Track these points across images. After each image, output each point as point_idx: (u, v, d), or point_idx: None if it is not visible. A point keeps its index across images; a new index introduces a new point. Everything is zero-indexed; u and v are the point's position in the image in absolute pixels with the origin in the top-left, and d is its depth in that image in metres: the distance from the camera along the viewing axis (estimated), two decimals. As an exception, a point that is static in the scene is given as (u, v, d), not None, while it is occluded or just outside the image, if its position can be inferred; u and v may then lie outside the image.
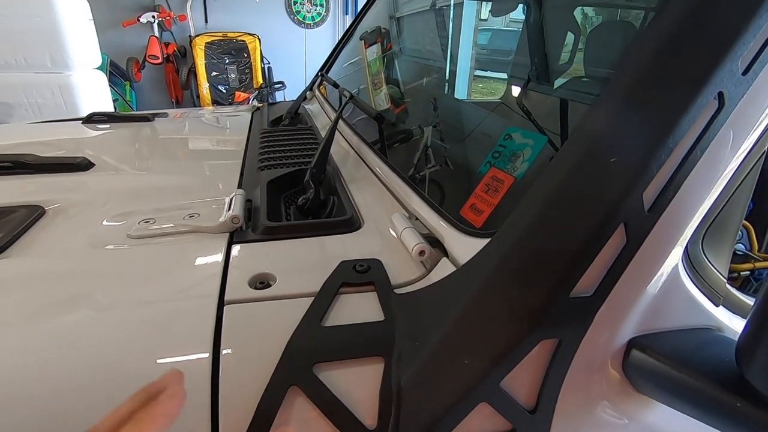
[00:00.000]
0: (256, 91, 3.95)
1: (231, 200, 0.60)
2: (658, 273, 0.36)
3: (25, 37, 2.43)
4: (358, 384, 0.37)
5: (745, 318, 0.43)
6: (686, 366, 0.36)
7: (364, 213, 0.60)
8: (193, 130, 1.11)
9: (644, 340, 0.38)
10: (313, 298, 0.43)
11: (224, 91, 4.01)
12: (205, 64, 3.92)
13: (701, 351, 0.38)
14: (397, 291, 0.44)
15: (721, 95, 0.32)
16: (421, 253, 0.45)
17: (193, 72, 3.92)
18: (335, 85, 1.34)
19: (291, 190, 0.73)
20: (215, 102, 3.94)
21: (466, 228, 0.44)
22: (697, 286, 0.39)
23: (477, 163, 0.55)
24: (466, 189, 0.50)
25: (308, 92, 1.52)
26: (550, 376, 0.36)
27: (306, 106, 1.39)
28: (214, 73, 3.97)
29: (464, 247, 0.42)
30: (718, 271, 0.40)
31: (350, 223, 0.57)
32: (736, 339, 0.38)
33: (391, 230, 0.55)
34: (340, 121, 1.03)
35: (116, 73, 3.71)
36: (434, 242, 0.48)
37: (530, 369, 0.36)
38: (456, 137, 0.72)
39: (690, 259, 0.38)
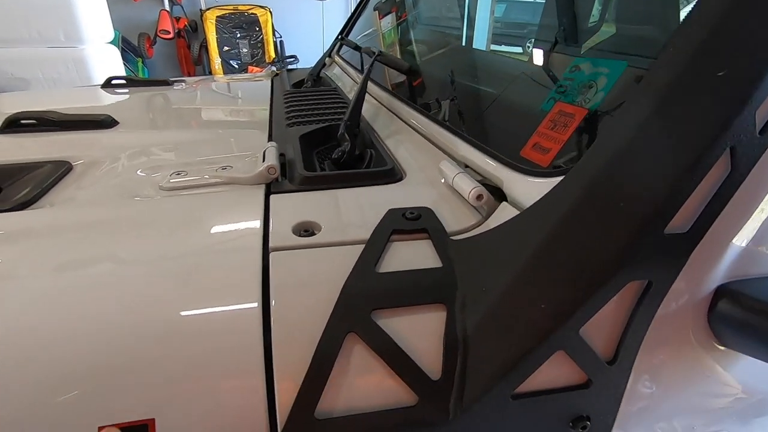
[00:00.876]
0: (269, 66, 3.88)
1: (264, 152, 0.57)
2: (759, 208, 0.32)
3: (37, 10, 2.40)
4: (419, 332, 0.35)
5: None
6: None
7: (403, 164, 0.57)
8: (215, 93, 1.08)
9: (734, 287, 0.35)
10: (361, 245, 0.40)
11: (236, 66, 3.95)
12: (217, 38, 3.85)
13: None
14: (453, 238, 0.41)
15: None
16: (479, 197, 0.42)
17: (204, 47, 3.87)
18: (357, 48, 1.29)
19: (323, 145, 0.70)
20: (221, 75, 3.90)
21: (530, 169, 0.40)
22: (796, 227, 0.35)
23: (524, 104, 0.50)
24: (521, 130, 0.46)
25: (327, 58, 1.47)
26: (634, 323, 0.33)
27: (326, 72, 1.34)
28: (226, 48, 3.90)
29: (530, 189, 0.39)
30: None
31: (392, 174, 0.53)
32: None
33: (438, 179, 0.51)
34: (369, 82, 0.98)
35: (128, 50, 3.67)
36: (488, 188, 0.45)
37: (612, 315, 0.33)
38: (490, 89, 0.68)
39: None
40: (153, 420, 0.31)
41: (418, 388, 0.33)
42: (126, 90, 1.07)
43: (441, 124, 0.56)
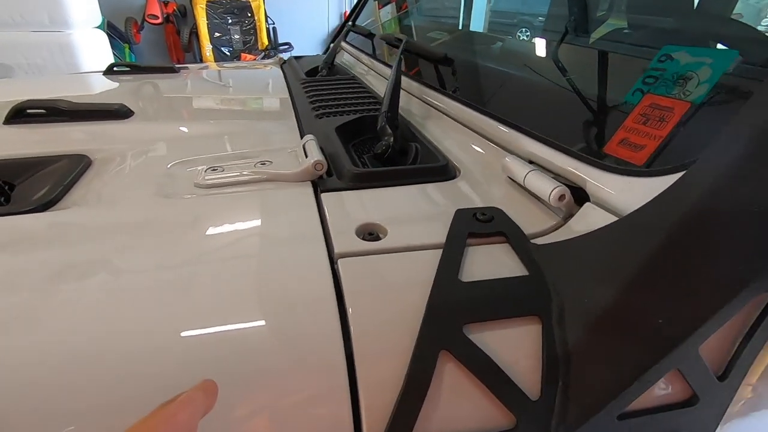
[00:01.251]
0: (262, 53, 3.78)
1: (304, 146, 0.53)
2: None
3: (20, -8, 2.27)
4: (513, 347, 0.32)
5: None
6: None
7: (454, 159, 0.53)
8: (226, 81, 1.02)
9: None
10: (434, 250, 0.37)
11: (228, 53, 3.83)
12: (207, 24, 3.72)
13: None
14: (533, 242, 0.38)
15: None
16: (561, 197, 0.39)
17: (194, 33, 3.74)
18: (369, 36, 1.24)
19: (357, 138, 0.65)
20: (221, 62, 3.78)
21: (619, 168, 0.37)
22: None
23: (600, 96, 0.47)
24: (600, 124, 0.43)
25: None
26: (754, 337, 0.30)
27: (337, 60, 1.29)
28: (217, 34, 3.78)
29: (624, 190, 0.35)
30: None
31: (446, 171, 0.50)
32: None
33: (499, 175, 0.48)
34: (387, 70, 0.94)
35: (114, 35, 3.53)
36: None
37: (731, 329, 0.30)
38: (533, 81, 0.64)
39: None
40: (228, 448, 0.28)
41: (517, 409, 0.30)
42: (130, 77, 1.01)
43: (497, 118, 0.52)
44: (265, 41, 3.84)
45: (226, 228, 0.40)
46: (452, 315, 0.31)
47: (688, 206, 0.29)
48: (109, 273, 0.34)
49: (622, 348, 0.30)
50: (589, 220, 0.37)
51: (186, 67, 1.16)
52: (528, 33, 0.73)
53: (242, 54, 3.75)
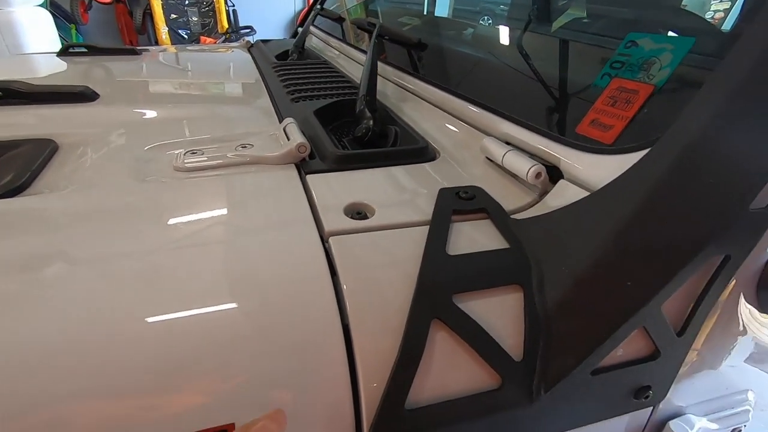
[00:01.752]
0: (223, 37, 3.64)
1: (285, 129, 0.53)
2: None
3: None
4: (498, 314, 0.34)
5: None
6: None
7: (432, 142, 0.55)
8: (194, 64, 0.98)
9: (785, 257, 0.37)
10: (421, 227, 0.38)
11: (186, 36, 3.66)
12: (162, 5, 3.54)
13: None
14: (513, 217, 0.40)
15: None
16: (538, 175, 0.41)
17: (148, 14, 3.54)
18: (339, 20, 1.23)
19: (335, 121, 0.66)
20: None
21: (590, 146, 0.39)
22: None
23: (570, 79, 0.50)
24: (570, 106, 0.46)
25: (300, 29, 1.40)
26: (708, 295, 0.34)
27: (306, 44, 1.27)
28: (173, 16, 3.60)
29: (595, 167, 0.38)
30: None
31: (426, 152, 0.52)
32: None
33: (477, 156, 0.50)
34: (358, 54, 0.94)
35: (59, 15, 3.28)
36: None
37: (688, 289, 0.34)
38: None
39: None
40: (233, 424, 0.29)
41: (502, 370, 0.33)
42: (87, 59, 0.95)
43: (477, 102, 0.54)
44: (225, 24, 3.70)
45: (215, 211, 0.40)
46: (442, 286, 0.33)
47: (652, 180, 0.32)
48: (97, 257, 0.33)
49: (595, 310, 0.33)
50: (564, 195, 0.40)
51: (147, 49, 1.11)
52: (492, 20, 0.75)
53: (201, 37, 3.60)
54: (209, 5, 3.66)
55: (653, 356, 0.36)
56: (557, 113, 0.47)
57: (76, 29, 3.41)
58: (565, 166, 0.41)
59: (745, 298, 0.38)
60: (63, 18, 3.31)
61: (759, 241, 0.33)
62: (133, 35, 3.68)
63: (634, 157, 0.35)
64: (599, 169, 0.38)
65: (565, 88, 0.48)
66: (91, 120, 0.59)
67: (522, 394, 0.33)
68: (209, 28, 3.71)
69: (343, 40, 1.11)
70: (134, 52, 0.99)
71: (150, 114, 0.63)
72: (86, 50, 0.96)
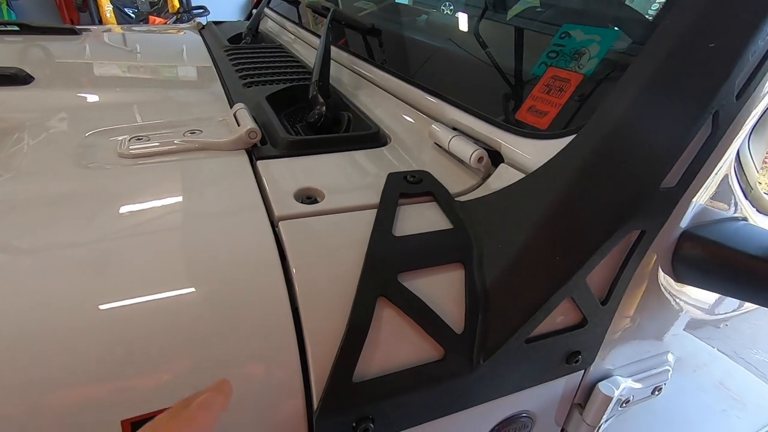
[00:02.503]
0: (174, 17, 3.46)
1: (235, 115, 0.52)
2: (723, 164, 0.38)
3: None
4: (441, 290, 0.36)
5: (760, 211, 0.47)
6: (733, 250, 0.39)
7: (384, 127, 0.56)
8: (139, 45, 0.94)
9: (695, 231, 0.41)
10: (369, 210, 0.40)
11: (133, 15, 3.47)
12: (106, -20, 3.32)
13: (742, 237, 0.41)
14: (457, 200, 0.42)
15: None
16: (480, 159, 0.43)
17: (90, -10, 3.31)
18: (294, 3, 1.21)
19: (289, 107, 0.66)
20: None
21: (528, 132, 0.42)
22: (738, 179, 0.42)
23: (512, 68, 0.52)
24: (511, 93, 0.48)
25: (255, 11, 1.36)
26: (627, 267, 0.38)
27: (261, 27, 1.24)
28: (119, -7, 3.39)
29: (531, 151, 0.41)
30: (755, 164, 0.43)
31: (377, 138, 0.53)
32: (762, 227, 0.42)
33: (426, 141, 0.52)
34: (314, 38, 0.93)
35: (-13, -13, 3.01)
36: (481, 151, 0.46)
37: (609, 262, 0.37)
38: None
39: (738, 150, 0.40)
40: (183, 405, 0.29)
41: (445, 342, 0.35)
42: (20, 38, 0.89)
43: (424, 88, 0.55)
44: (176, 3, 3.52)
45: (163, 198, 0.39)
46: (387, 265, 0.35)
47: (576, 164, 0.35)
48: (38, 247, 0.32)
49: (527, 283, 0.35)
50: (503, 178, 0.42)
51: (88, 29, 1.05)
52: (446, 7, 0.76)
53: (150, 17, 3.41)
54: (158, -17, 3.47)
55: (581, 324, 0.40)
56: (500, 100, 0.49)
57: (7, 5, 3.14)
58: (505, 151, 0.44)
59: (662, 269, 0.42)
60: (-8, -8, 3.04)
61: (670, 216, 0.36)
62: (73, 13, 3.44)
63: (563, 142, 0.38)
64: (535, 153, 0.41)
65: (508, 76, 0.50)
66: (25, 104, 0.56)
67: (463, 363, 0.35)
68: (159, 7, 3.53)
69: (299, 23, 1.09)
70: (73, 32, 0.93)
71: (92, 98, 0.60)
72: (18, 29, 0.89)
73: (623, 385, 0.47)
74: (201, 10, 3.64)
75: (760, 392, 0.92)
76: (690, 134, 0.33)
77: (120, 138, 0.48)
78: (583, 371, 0.45)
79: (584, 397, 0.48)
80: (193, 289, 0.31)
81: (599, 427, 0.48)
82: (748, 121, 0.37)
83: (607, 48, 0.40)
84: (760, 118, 0.39)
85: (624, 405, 0.50)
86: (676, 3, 0.35)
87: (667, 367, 0.52)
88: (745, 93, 0.34)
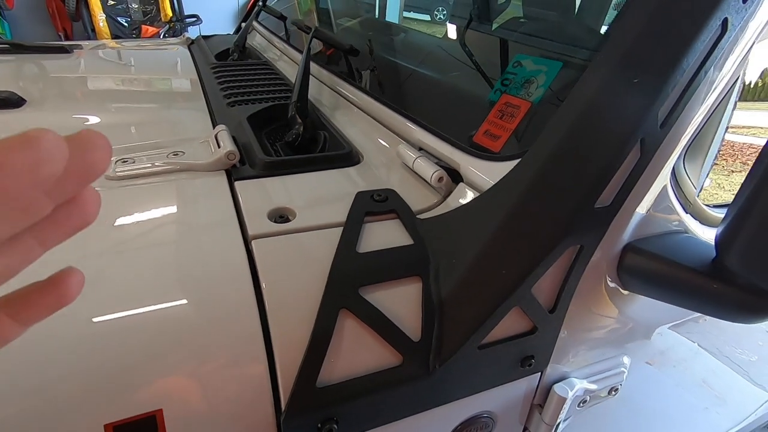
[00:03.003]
0: (166, 25, 3.49)
1: (216, 136, 0.56)
2: (656, 183, 0.42)
3: None
4: (400, 302, 0.39)
5: (703, 223, 0.51)
6: (672, 261, 0.42)
7: (358, 146, 0.60)
8: (129, 64, 0.97)
9: (637, 245, 0.45)
10: (336, 228, 0.43)
11: (126, 24, 3.48)
12: (99, -10, 3.34)
13: (680, 249, 0.45)
14: (418, 217, 0.46)
15: (725, 21, 0.36)
16: (440, 179, 0.47)
17: (83, 0, 3.33)
18: (282, 18, 1.24)
19: (269, 126, 0.69)
20: (116, 37, 3.42)
21: (483, 154, 0.46)
22: (676, 195, 0.46)
23: (474, 93, 0.56)
24: (472, 117, 0.52)
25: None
26: (570, 278, 0.41)
27: (248, 42, 1.27)
28: (111, 2, 3.41)
29: (485, 172, 0.45)
30: (691, 181, 0.47)
31: (350, 157, 0.56)
32: (703, 239, 0.46)
33: (396, 160, 0.55)
34: (299, 55, 0.97)
35: (-20, -2, 3.03)
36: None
37: (553, 274, 0.41)
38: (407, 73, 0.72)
39: (674, 170, 0.44)
40: (161, 410, 0.32)
41: (403, 350, 0.38)
42: (12, 57, 0.92)
43: (394, 108, 0.59)
44: (169, 12, 3.55)
45: (144, 217, 0.43)
46: (350, 279, 0.38)
47: (521, 184, 0.39)
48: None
49: (478, 294, 0.39)
50: (461, 197, 0.46)
51: (79, 46, 1.08)
52: (422, 32, 0.80)
53: (143, 26, 3.43)
54: (150, -8, 3.49)
55: (532, 331, 0.43)
56: (461, 123, 0.53)
57: (1, 15, 3.16)
58: (463, 171, 0.47)
59: (609, 279, 0.46)
60: (-16, 2, 3.06)
61: (606, 232, 0.40)
62: (66, 22, 3.45)
63: (512, 164, 0.41)
64: (489, 174, 0.44)
65: (468, 100, 0.54)
66: (18, 127, 0.59)
67: (420, 368, 0.39)
68: (151, 16, 3.55)
69: (286, 40, 1.13)
70: (65, 50, 0.96)
71: (80, 121, 0.63)
72: (9, 47, 0.92)
73: (578, 385, 0.50)
74: (194, 19, 3.67)
75: (742, 389, 0.96)
76: (619, 159, 0.37)
77: (107, 160, 0.51)
78: (539, 374, 0.49)
79: (543, 398, 0.51)
80: (170, 304, 0.35)
81: (557, 426, 0.51)
82: (676, 146, 0.40)
83: (552, 77, 0.44)
84: (690, 142, 0.43)
85: (582, 405, 0.53)
86: (607, 40, 0.38)
87: (623, 369, 0.55)
88: (668, 122, 0.38)
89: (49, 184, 0.16)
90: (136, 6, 3.50)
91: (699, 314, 0.60)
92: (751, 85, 0.56)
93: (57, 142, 0.16)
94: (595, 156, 0.37)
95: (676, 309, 0.50)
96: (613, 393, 0.56)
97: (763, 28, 0.40)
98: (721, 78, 0.40)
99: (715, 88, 0.40)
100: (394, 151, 0.56)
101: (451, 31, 0.81)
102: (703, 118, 0.42)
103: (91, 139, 0.17)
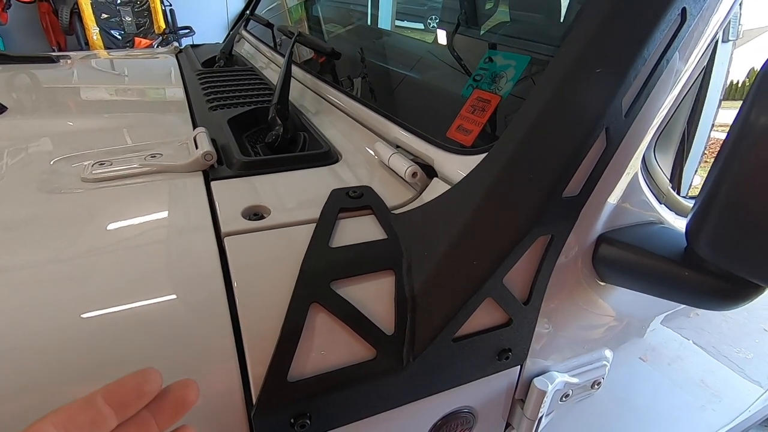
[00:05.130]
0: (160, 38, 3.51)
1: (195, 138, 0.56)
2: (626, 173, 0.42)
3: None
4: (373, 296, 0.40)
5: (678, 214, 0.52)
6: (644, 251, 0.43)
7: (337, 146, 0.60)
8: (114, 71, 0.98)
9: (610, 235, 0.45)
10: (311, 225, 0.43)
11: (119, 37, 3.51)
12: (92, 3, 3.36)
13: (653, 239, 0.45)
14: (394, 212, 0.46)
15: (684, 11, 0.37)
16: (414, 174, 0.47)
17: (76, 13, 3.35)
18: (269, 25, 1.25)
19: (251, 128, 0.69)
20: (110, 50, 3.44)
21: (455, 148, 0.46)
22: (648, 186, 0.46)
23: (447, 89, 0.57)
24: (445, 113, 0.52)
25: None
26: (542, 270, 0.41)
27: (236, 50, 1.28)
28: (105, 16, 3.43)
29: (457, 166, 0.45)
30: (663, 172, 0.48)
31: (328, 156, 0.57)
32: (676, 229, 0.46)
33: (374, 159, 0.56)
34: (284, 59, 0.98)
35: (-27, 13, 3.05)
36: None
37: (526, 265, 0.41)
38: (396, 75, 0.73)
39: (645, 160, 0.45)
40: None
41: (376, 344, 0.38)
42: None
43: (372, 107, 0.59)
44: (162, 24, 3.57)
45: (118, 218, 0.43)
46: (321, 274, 0.38)
47: (490, 176, 0.39)
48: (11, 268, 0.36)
49: (450, 286, 0.39)
50: (435, 191, 0.46)
51: (67, 56, 1.08)
52: (398, 33, 0.81)
53: (136, 38, 3.46)
54: (143, 5, 3.52)
55: (507, 323, 0.43)
56: (435, 119, 0.53)
57: (-6, 29, 3.18)
58: (437, 166, 0.48)
59: (585, 270, 0.46)
60: (-22, 17, 3.08)
61: (576, 222, 0.40)
62: (60, 36, 3.48)
63: (481, 157, 0.42)
64: (461, 168, 0.45)
65: (442, 96, 0.55)
66: (-3, 133, 0.59)
67: (394, 362, 0.39)
68: (145, 28, 3.57)
69: (273, 47, 1.13)
70: (51, 60, 0.97)
71: (61, 126, 0.63)
72: (-3, 59, 0.93)
73: (559, 379, 0.50)
74: (186, 30, 3.70)
75: (737, 386, 0.96)
76: (584, 148, 0.37)
77: (84, 163, 0.51)
78: (519, 368, 0.49)
79: (524, 393, 0.51)
80: (140, 303, 0.35)
81: (539, 420, 0.51)
82: (644, 135, 0.41)
83: (520, 72, 0.44)
84: (660, 132, 0.43)
85: (565, 398, 0.53)
86: (570, 31, 0.39)
87: (605, 363, 0.55)
88: (633, 111, 0.38)
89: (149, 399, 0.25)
90: (130, 19, 3.52)
91: (681, 305, 0.60)
92: (739, 85, 0.57)
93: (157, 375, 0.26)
94: (561, 145, 0.37)
95: (655, 300, 0.50)
96: (596, 387, 0.55)
97: (725, 19, 0.41)
98: (686, 68, 0.41)
99: (680, 78, 0.41)
100: (372, 150, 0.57)
101: (436, 34, 0.82)
102: (671, 107, 0.42)
103: (187, 380, 0.28)
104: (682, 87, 0.42)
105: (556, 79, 0.38)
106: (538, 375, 0.50)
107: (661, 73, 0.38)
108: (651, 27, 0.36)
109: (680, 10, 0.37)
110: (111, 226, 0.42)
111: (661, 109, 0.41)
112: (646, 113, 0.39)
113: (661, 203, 0.49)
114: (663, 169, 0.48)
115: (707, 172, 0.38)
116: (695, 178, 0.61)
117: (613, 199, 0.44)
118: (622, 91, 0.37)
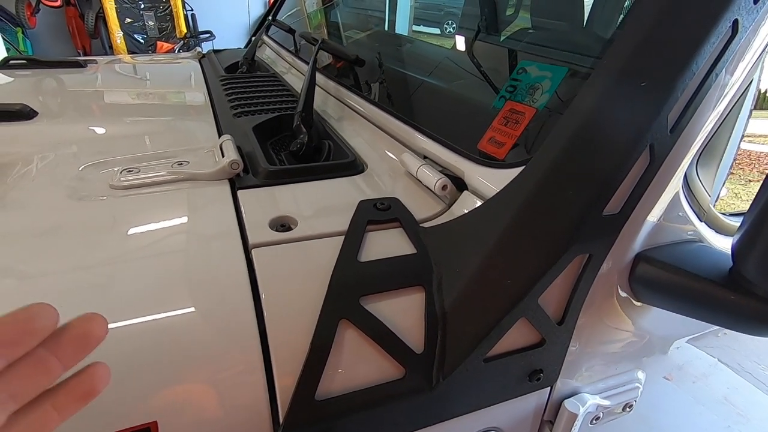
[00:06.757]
0: (181, 41, 3.58)
1: (221, 146, 0.56)
2: (667, 191, 0.40)
3: None
4: (402, 312, 0.38)
5: (718, 231, 0.49)
6: (686, 272, 0.41)
7: (362, 155, 0.59)
8: (140, 77, 0.99)
9: (649, 254, 0.43)
10: (338, 237, 0.43)
11: (142, 41, 3.58)
12: (116, 8, 3.44)
13: (694, 259, 0.43)
14: (422, 226, 0.45)
15: (735, 23, 0.35)
16: (444, 187, 0.46)
17: (101, 18, 3.44)
18: (291, 31, 1.26)
19: (275, 136, 0.69)
20: (132, 53, 3.51)
21: (487, 161, 0.45)
22: (689, 203, 0.44)
23: (478, 100, 0.55)
24: (476, 124, 0.51)
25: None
26: (578, 289, 0.40)
27: (258, 55, 1.29)
28: (128, 20, 3.51)
29: (490, 179, 0.44)
30: (705, 188, 0.46)
31: (354, 166, 0.56)
32: (718, 248, 0.44)
33: (399, 168, 0.55)
34: (307, 67, 0.97)
35: (4, 18, 3.14)
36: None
37: (561, 284, 0.40)
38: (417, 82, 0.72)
39: (686, 177, 0.43)
40: (155, 422, 0.32)
41: (405, 362, 0.37)
42: (28, 72, 0.94)
43: (398, 116, 0.59)
44: (184, 29, 3.64)
45: (146, 226, 0.43)
46: (350, 289, 0.37)
47: (526, 191, 0.38)
48: (26, 276, 0.36)
49: (482, 305, 0.38)
50: (465, 205, 0.45)
51: (94, 61, 1.10)
52: (453, 27, 0.80)
53: (158, 42, 3.52)
54: (166, 9, 3.59)
55: (540, 343, 0.42)
56: (465, 131, 0.52)
57: (23, 33, 3.27)
58: (468, 179, 0.46)
59: (621, 290, 0.44)
60: (8, 21, 3.17)
61: (615, 241, 0.39)
62: (85, 40, 3.56)
63: (516, 171, 0.41)
64: (493, 182, 0.43)
65: (473, 107, 0.54)
66: (27, 139, 0.60)
67: (423, 381, 0.38)
68: (167, 32, 3.64)
69: (294, 53, 1.14)
70: (78, 65, 0.99)
71: (89, 131, 0.64)
72: (26, 63, 0.95)
73: (590, 401, 0.48)
74: (207, 35, 3.76)
75: (762, 404, 0.92)
76: (627, 165, 0.36)
77: (113, 170, 0.52)
78: (549, 389, 0.47)
79: (553, 414, 0.49)
80: (167, 314, 0.34)
81: (568, 444, 0.49)
82: (687, 151, 0.39)
83: (557, 83, 0.43)
84: (702, 147, 0.41)
85: (595, 421, 0.51)
86: (612, 44, 0.38)
87: (637, 385, 0.53)
88: (679, 127, 0.36)
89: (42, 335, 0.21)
90: (152, 23, 3.59)
91: (716, 327, 0.58)
92: (767, 94, 0.55)
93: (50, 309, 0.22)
94: (602, 162, 0.36)
95: (691, 321, 0.48)
96: (628, 409, 0.53)
97: (775, 31, 0.39)
98: (733, 82, 0.39)
99: (727, 93, 0.39)
100: (398, 160, 0.56)
101: (459, 41, 0.81)
102: (716, 123, 0.40)
103: (91, 314, 0.23)
104: (729, 101, 0.40)
105: (597, 91, 0.37)
106: (568, 396, 0.49)
107: (709, 88, 0.36)
108: (701, 39, 0.34)
109: (732, 23, 0.35)
110: (138, 235, 0.42)
111: (707, 125, 0.39)
112: (691, 129, 0.38)
113: (701, 221, 0.47)
114: (704, 183, 0.46)
115: (756, 190, 0.36)
116: (722, 190, 0.58)
117: (653, 216, 0.42)
118: (668, 106, 0.35)
